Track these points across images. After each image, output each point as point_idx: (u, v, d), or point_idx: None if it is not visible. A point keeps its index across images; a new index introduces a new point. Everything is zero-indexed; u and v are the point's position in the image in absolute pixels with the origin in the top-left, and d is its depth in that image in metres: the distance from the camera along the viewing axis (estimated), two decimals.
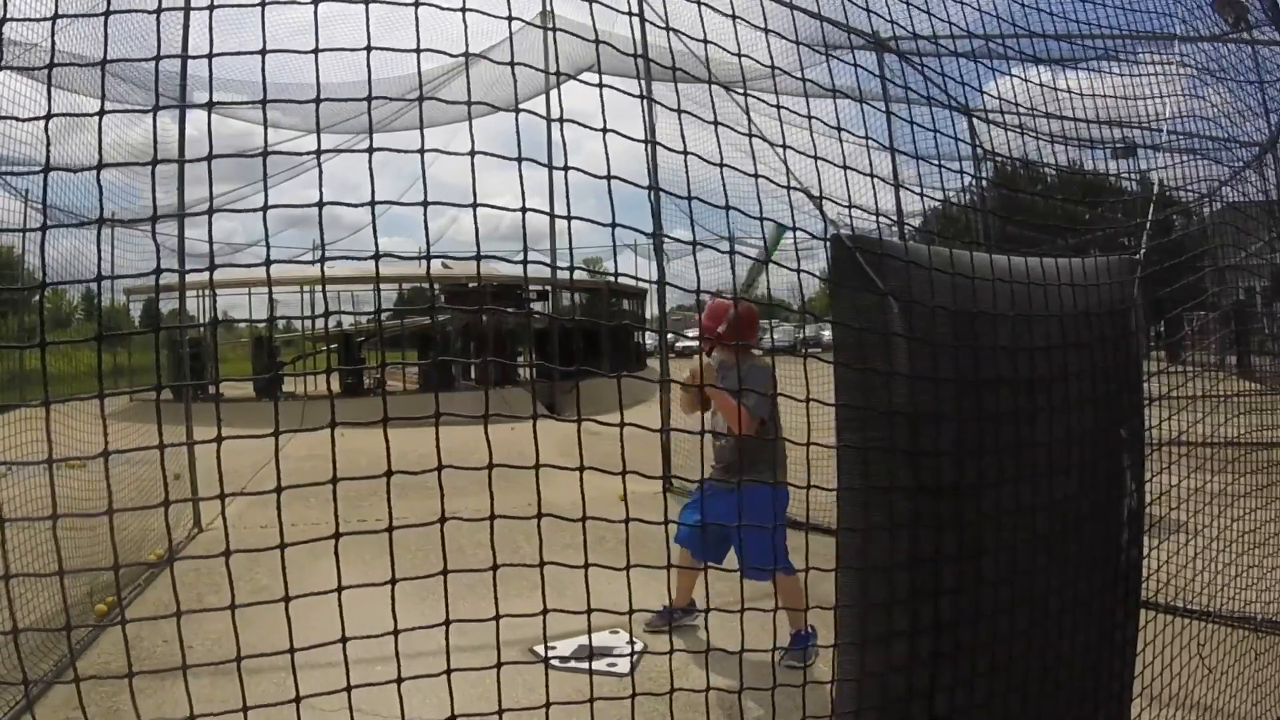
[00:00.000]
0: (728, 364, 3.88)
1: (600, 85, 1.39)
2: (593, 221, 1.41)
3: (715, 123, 1.45)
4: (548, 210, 1.59)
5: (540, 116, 1.50)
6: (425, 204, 1.31)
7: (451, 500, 1.34)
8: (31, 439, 4.24)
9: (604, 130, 1.34)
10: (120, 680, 1.23)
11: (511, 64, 1.29)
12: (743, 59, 1.59)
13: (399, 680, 1.31)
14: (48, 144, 1.12)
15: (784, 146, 1.58)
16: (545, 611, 1.37)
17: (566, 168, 1.39)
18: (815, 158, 1.57)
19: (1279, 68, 3.71)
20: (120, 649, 1.31)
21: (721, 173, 1.45)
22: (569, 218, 1.40)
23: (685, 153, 1.42)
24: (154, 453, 1.24)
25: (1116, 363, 1.99)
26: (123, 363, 11.48)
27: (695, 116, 1.49)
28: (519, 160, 1.29)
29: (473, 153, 1.29)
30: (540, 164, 1.37)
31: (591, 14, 1.43)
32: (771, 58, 1.58)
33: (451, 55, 1.29)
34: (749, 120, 1.60)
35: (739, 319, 3.74)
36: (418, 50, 1.24)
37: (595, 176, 1.36)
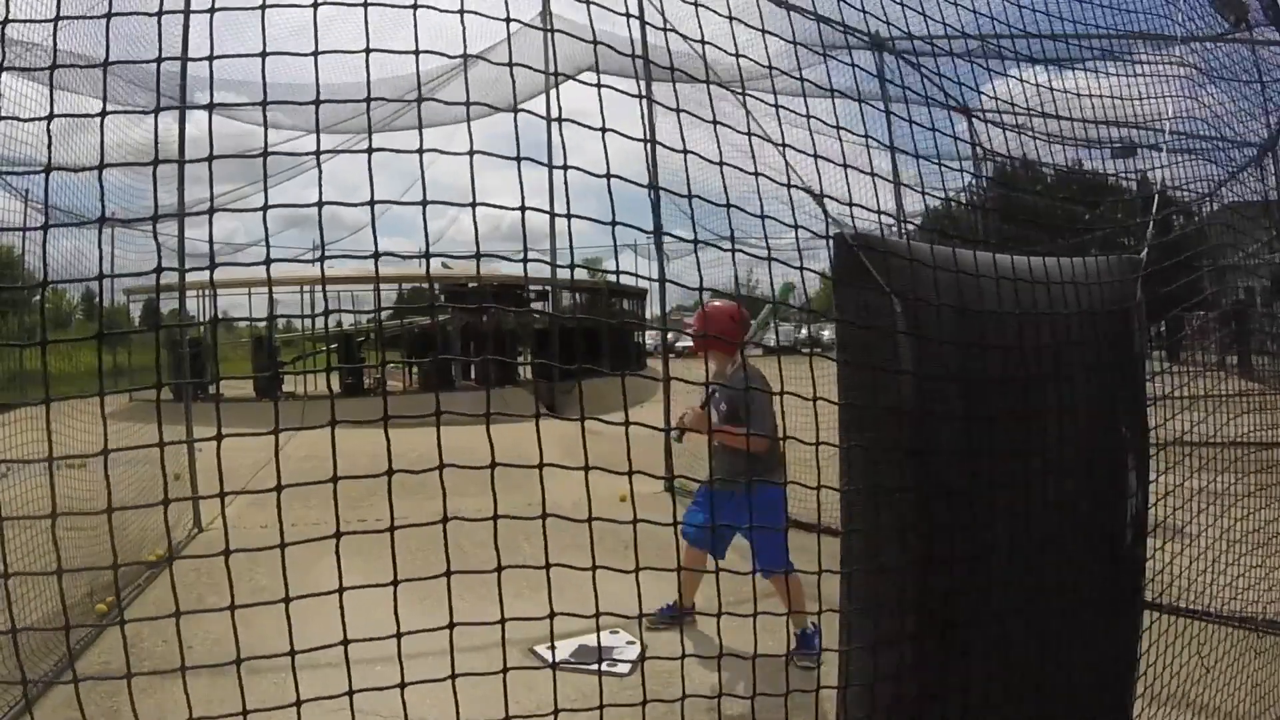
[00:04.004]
0: (719, 375, 3.86)
1: (599, 85, 1.40)
2: (593, 220, 1.41)
3: (715, 122, 1.46)
4: (547, 209, 1.60)
5: (539, 116, 1.50)
6: (424, 203, 1.31)
7: (452, 500, 1.34)
8: (31, 439, 4.23)
9: (603, 130, 1.34)
10: (120, 680, 1.24)
11: (510, 64, 1.29)
12: (740, 59, 1.59)
13: (402, 685, 1.31)
14: (49, 143, 1.12)
15: (783, 145, 1.58)
16: (553, 615, 1.37)
17: (566, 166, 1.39)
18: (815, 156, 1.57)
19: (1279, 67, 3.71)
20: (120, 649, 1.31)
21: (722, 171, 1.46)
22: (569, 216, 1.40)
23: (685, 151, 1.42)
24: (154, 453, 1.24)
25: (1119, 361, 1.99)
26: (123, 363, 11.48)
27: (694, 116, 1.49)
28: (518, 159, 1.29)
29: (471, 152, 1.29)
30: (540, 163, 1.37)
31: (589, 15, 1.43)
32: (769, 58, 1.58)
33: (450, 56, 1.29)
34: (749, 119, 1.61)
35: (725, 320, 3.76)
36: (416, 51, 1.24)
37: (595, 175, 1.37)
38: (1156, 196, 2.47)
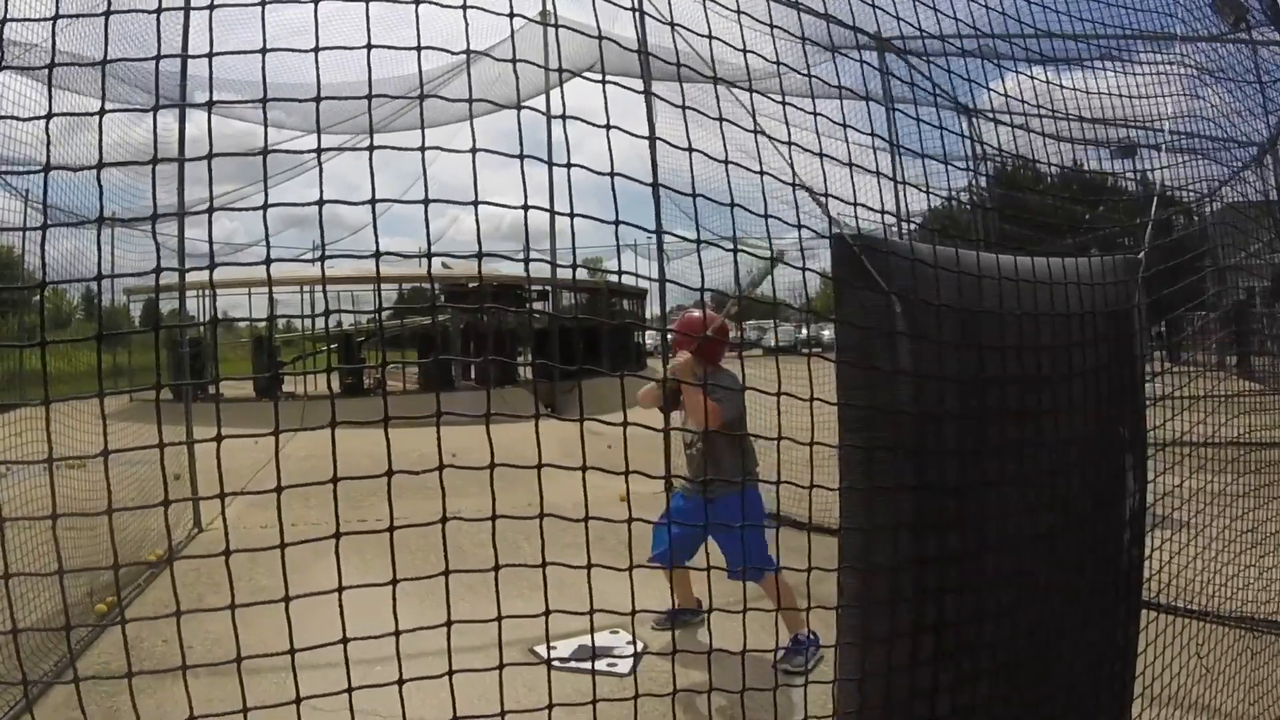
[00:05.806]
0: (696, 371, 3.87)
1: (604, 81, 1.39)
2: (595, 219, 1.41)
3: (720, 119, 1.45)
4: (548, 208, 1.60)
5: (541, 114, 1.49)
6: (426, 201, 1.31)
7: (452, 500, 1.33)
8: (31, 439, 4.23)
9: (607, 126, 1.34)
10: (120, 680, 1.23)
11: (514, 60, 1.29)
12: (746, 56, 1.58)
13: (400, 681, 1.30)
14: (48, 143, 1.12)
15: (789, 144, 1.58)
16: (547, 613, 1.36)
17: (569, 165, 1.38)
18: (821, 155, 1.56)
19: (1279, 68, 3.70)
20: (120, 649, 1.31)
21: (727, 169, 1.45)
22: (570, 215, 1.39)
23: (690, 149, 1.42)
24: (154, 453, 1.24)
25: (1119, 362, 1.99)
26: (123, 363, 11.47)
27: (699, 112, 1.48)
28: (520, 157, 1.28)
29: (474, 150, 1.28)
30: (541, 160, 1.36)
31: (595, 10, 1.42)
32: (777, 54, 1.57)
33: (452, 53, 1.28)
34: (754, 117, 1.60)
35: (710, 338, 3.75)
36: (418, 48, 1.23)
37: (597, 173, 1.36)
38: (1156, 197, 2.46)
